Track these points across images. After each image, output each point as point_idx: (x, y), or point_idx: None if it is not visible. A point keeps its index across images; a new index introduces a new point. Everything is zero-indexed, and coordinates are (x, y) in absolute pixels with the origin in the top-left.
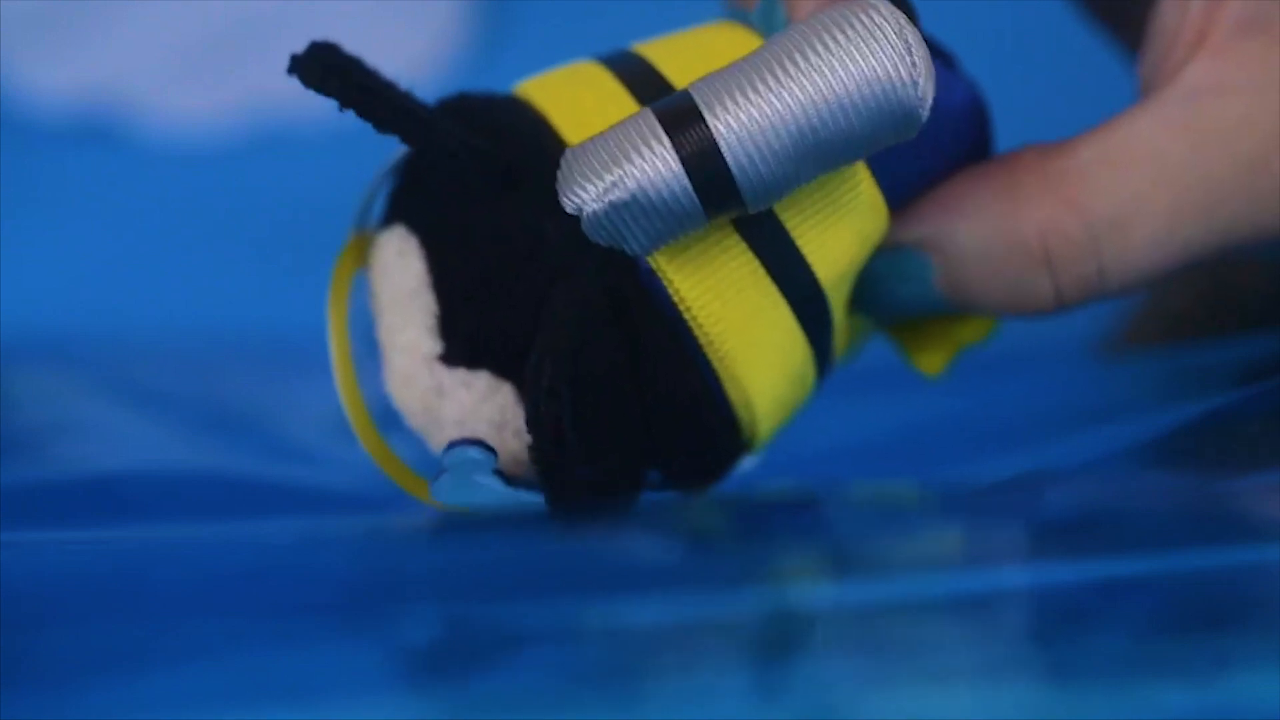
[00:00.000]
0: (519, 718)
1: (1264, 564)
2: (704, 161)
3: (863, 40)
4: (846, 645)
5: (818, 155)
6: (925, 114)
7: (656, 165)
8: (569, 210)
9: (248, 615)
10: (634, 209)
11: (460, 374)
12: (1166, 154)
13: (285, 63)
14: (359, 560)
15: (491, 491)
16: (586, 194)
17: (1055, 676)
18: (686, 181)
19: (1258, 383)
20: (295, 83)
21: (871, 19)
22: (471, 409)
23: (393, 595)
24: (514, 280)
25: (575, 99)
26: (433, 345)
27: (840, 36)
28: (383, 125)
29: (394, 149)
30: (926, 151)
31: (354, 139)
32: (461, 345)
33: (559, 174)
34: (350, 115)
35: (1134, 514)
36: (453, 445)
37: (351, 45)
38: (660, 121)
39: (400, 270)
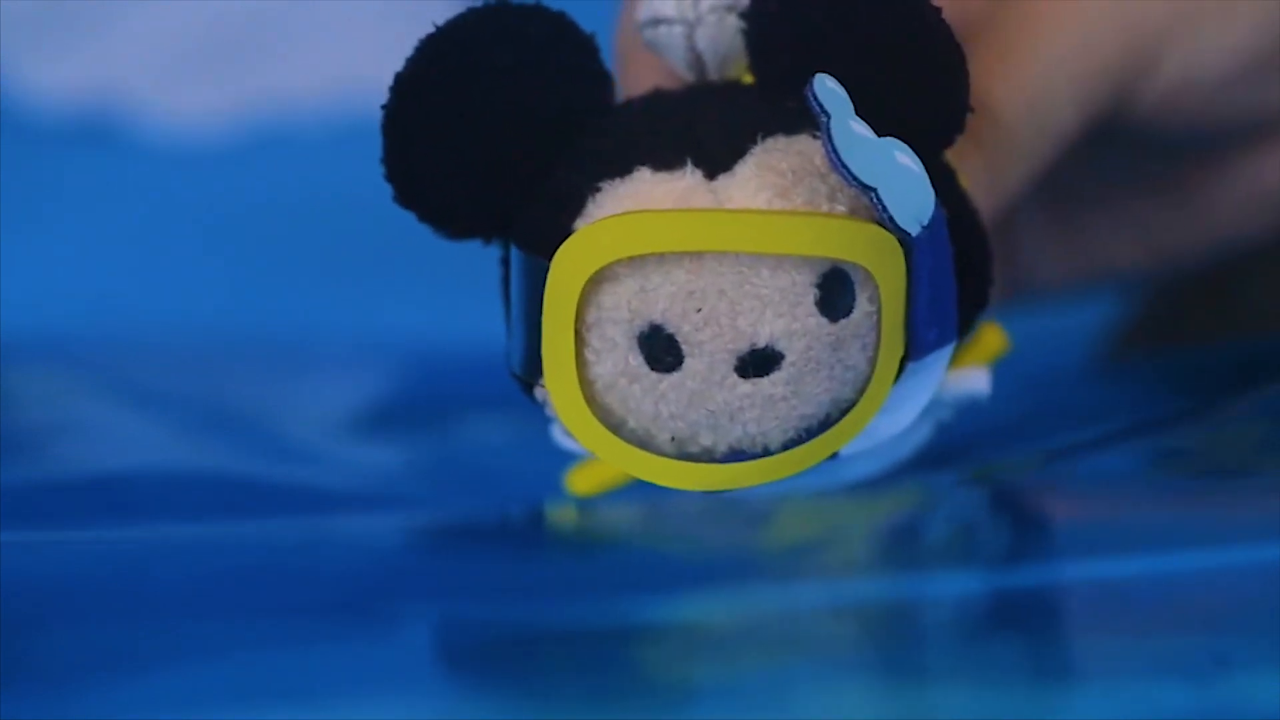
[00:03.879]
0: (519, 717)
1: (1264, 564)
2: None
3: None
4: (841, 643)
5: None
6: None
7: None
8: None
9: (248, 615)
10: None
11: None
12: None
13: (285, 63)
14: (359, 560)
15: (867, 143)
16: None
17: (1055, 676)
18: None
19: (1258, 383)
20: (295, 83)
21: None
22: None
23: (393, 595)
24: None
25: None
26: None
27: None
28: None
29: None
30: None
31: (354, 139)
32: None
33: None
34: (346, 114)
35: (1134, 514)
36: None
37: (351, 45)
38: None
39: None
